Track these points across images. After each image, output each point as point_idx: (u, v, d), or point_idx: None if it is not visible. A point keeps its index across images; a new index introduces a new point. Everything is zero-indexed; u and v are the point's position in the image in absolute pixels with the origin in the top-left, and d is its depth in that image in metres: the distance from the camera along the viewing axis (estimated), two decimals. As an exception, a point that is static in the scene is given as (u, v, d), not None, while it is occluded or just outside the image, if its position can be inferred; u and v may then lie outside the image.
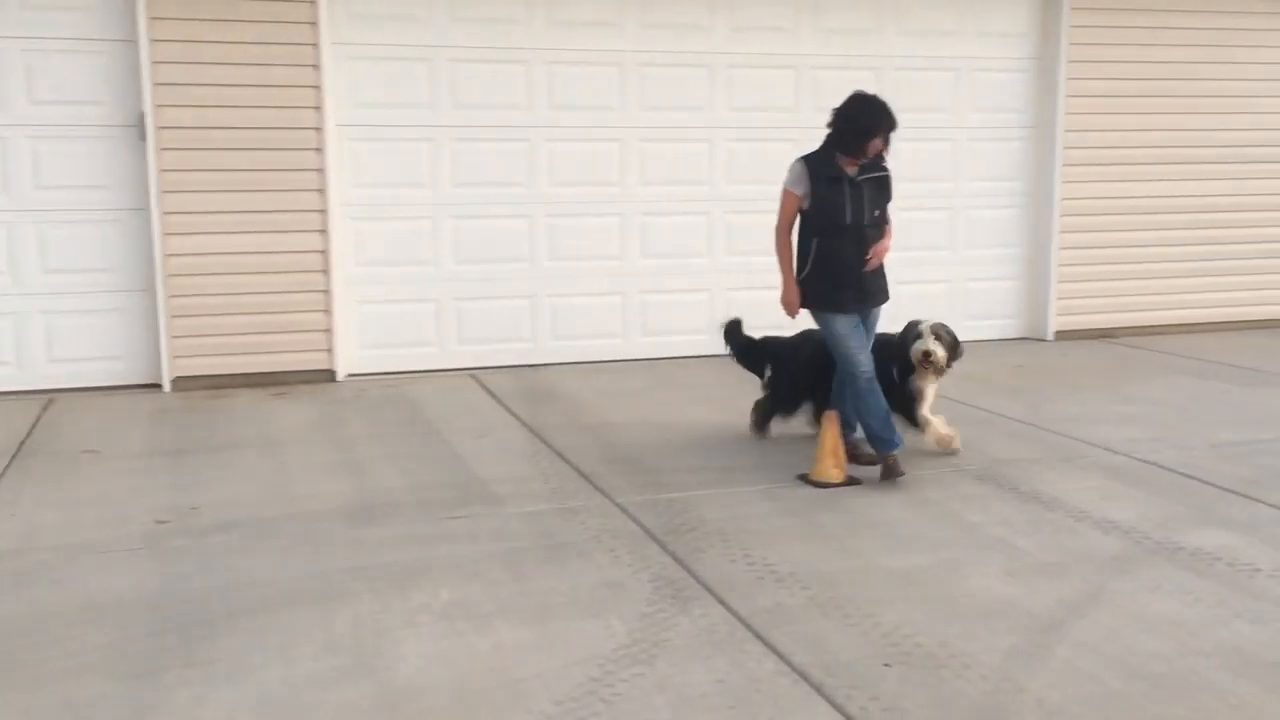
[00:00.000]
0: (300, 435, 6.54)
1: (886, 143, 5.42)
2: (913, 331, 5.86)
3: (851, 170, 5.42)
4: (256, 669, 3.55)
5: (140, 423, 6.88)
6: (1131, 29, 9.39)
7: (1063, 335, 9.61)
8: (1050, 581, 4.24)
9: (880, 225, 5.52)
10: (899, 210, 5.64)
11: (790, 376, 6.20)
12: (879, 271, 5.57)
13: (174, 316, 7.67)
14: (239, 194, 7.65)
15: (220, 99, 7.54)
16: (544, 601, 4.07)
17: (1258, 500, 5.20)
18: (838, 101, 5.49)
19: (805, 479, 5.53)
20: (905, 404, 5.92)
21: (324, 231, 7.86)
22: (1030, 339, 9.64)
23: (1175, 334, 9.76)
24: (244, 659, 3.62)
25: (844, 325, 5.49)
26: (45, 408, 7.24)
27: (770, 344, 6.37)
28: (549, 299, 8.60)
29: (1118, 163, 9.56)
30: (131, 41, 7.42)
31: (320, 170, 7.80)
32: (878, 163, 5.47)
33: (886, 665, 3.56)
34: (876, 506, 5.17)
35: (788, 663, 3.58)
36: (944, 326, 5.91)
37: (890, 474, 5.42)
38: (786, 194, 5.58)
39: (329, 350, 7.99)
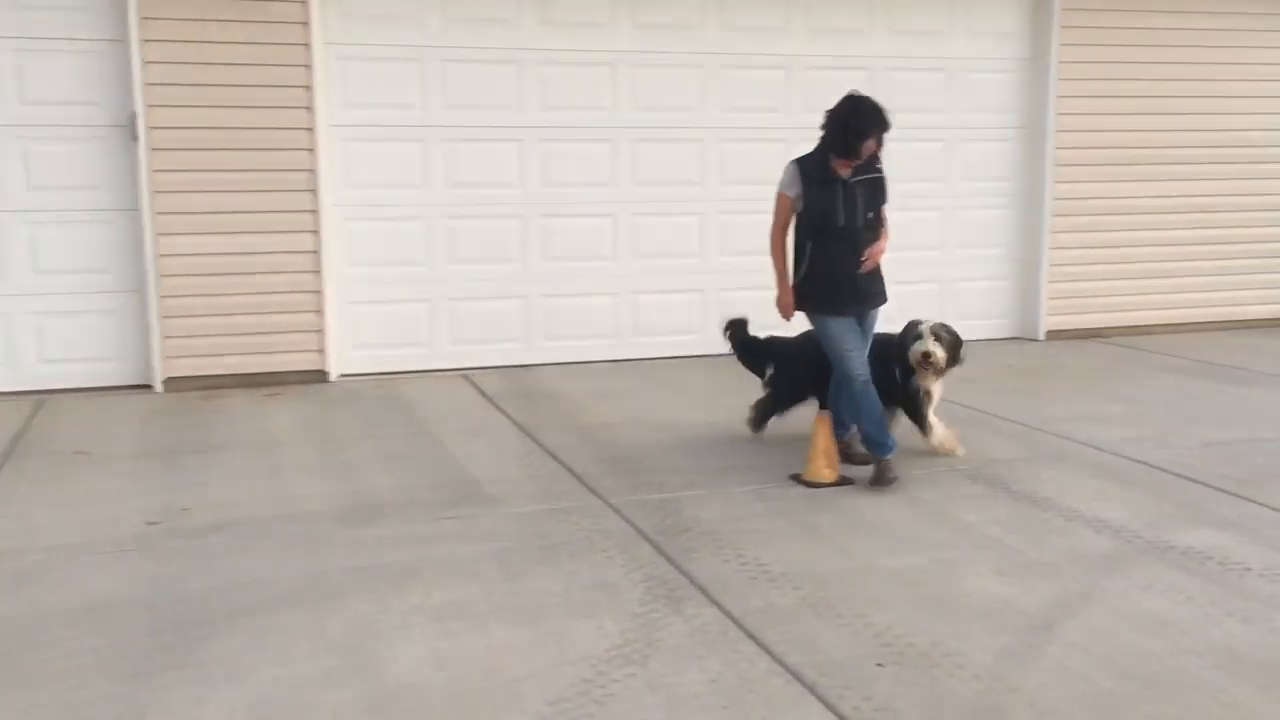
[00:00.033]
0: (292, 436, 6.54)
1: (880, 144, 5.38)
2: (913, 332, 5.84)
3: (845, 172, 5.39)
4: (251, 670, 3.55)
5: (132, 424, 6.87)
6: (1122, 30, 9.42)
7: (1054, 335, 9.64)
8: (1042, 581, 4.26)
9: (875, 227, 5.49)
10: (891, 210, 5.63)
11: (793, 376, 6.17)
12: (875, 274, 5.53)
13: (165, 317, 7.66)
14: (230, 194, 7.63)
15: (212, 99, 7.52)
16: (537, 602, 4.08)
17: (1248, 499, 5.22)
18: (830, 102, 5.48)
19: (798, 479, 5.54)
20: (908, 404, 5.91)
21: (316, 232, 7.85)
22: (1021, 339, 9.66)
23: (1166, 333, 9.79)
24: (239, 660, 3.62)
25: (839, 328, 5.48)
26: (37, 409, 7.22)
27: (774, 344, 6.32)
28: (541, 299, 8.60)
29: (1108, 163, 9.59)
30: (122, 41, 7.40)
31: (312, 170, 7.78)
32: (872, 164, 5.44)
33: (879, 665, 3.56)
34: (869, 506, 5.18)
35: (780, 663, 3.58)
36: (945, 327, 5.88)
37: (881, 479, 5.40)
38: (780, 197, 5.57)
39: (321, 351, 7.98)
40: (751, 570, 4.37)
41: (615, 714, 3.26)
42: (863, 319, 5.57)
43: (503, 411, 7.12)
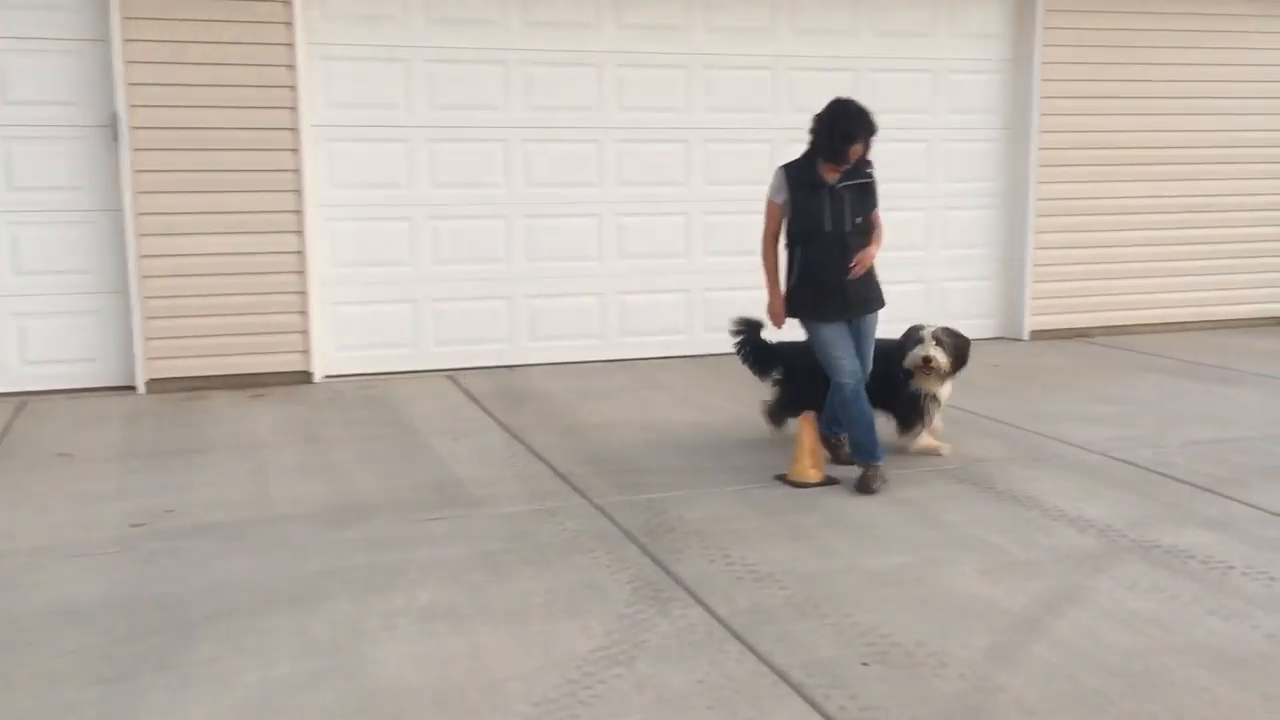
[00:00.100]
0: (276, 437, 6.51)
1: (867, 148, 5.33)
2: (914, 337, 5.82)
3: (832, 178, 5.34)
4: (233, 673, 3.53)
5: (115, 425, 6.83)
6: (1105, 30, 9.47)
7: (1038, 335, 9.67)
8: (1027, 580, 4.27)
9: (865, 232, 5.42)
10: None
11: (803, 378, 6.08)
12: (867, 279, 5.46)
13: (148, 318, 7.62)
14: (214, 195, 7.60)
15: (195, 99, 7.49)
16: (523, 603, 4.07)
17: (1231, 498, 5.25)
18: (815, 102, 5.47)
19: (783, 479, 5.54)
20: (905, 408, 5.89)
21: (300, 232, 7.82)
22: (1006, 339, 9.70)
23: (1150, 333, 9.84)
24: (221, 663, 3.60)
25: (829, 334, 5.46)
26: (18, 410, 7.18)
27: (781, 348, 6.22)
28: (526, 300, 8.59)
29: (1092, 163, 9.63)
30: (104, 41, 7.37)
31: (296, 171, 7.76)
32: (861, 169, 5.38)
33: (865, 665, 3.57)
34: (854, 506, 5.19)
35: (766, 663, 3.58)
36: (947, 331, 5.84)
37: (866, 485, 5.38)
38: (769, 204, 5.55)
39: (305, 352, 7.96)
40: (738, 570, 4.37)
41: (601, 715, 3.26)
42: (857, 325, 5.51)
43: (488, 412, 7.11)
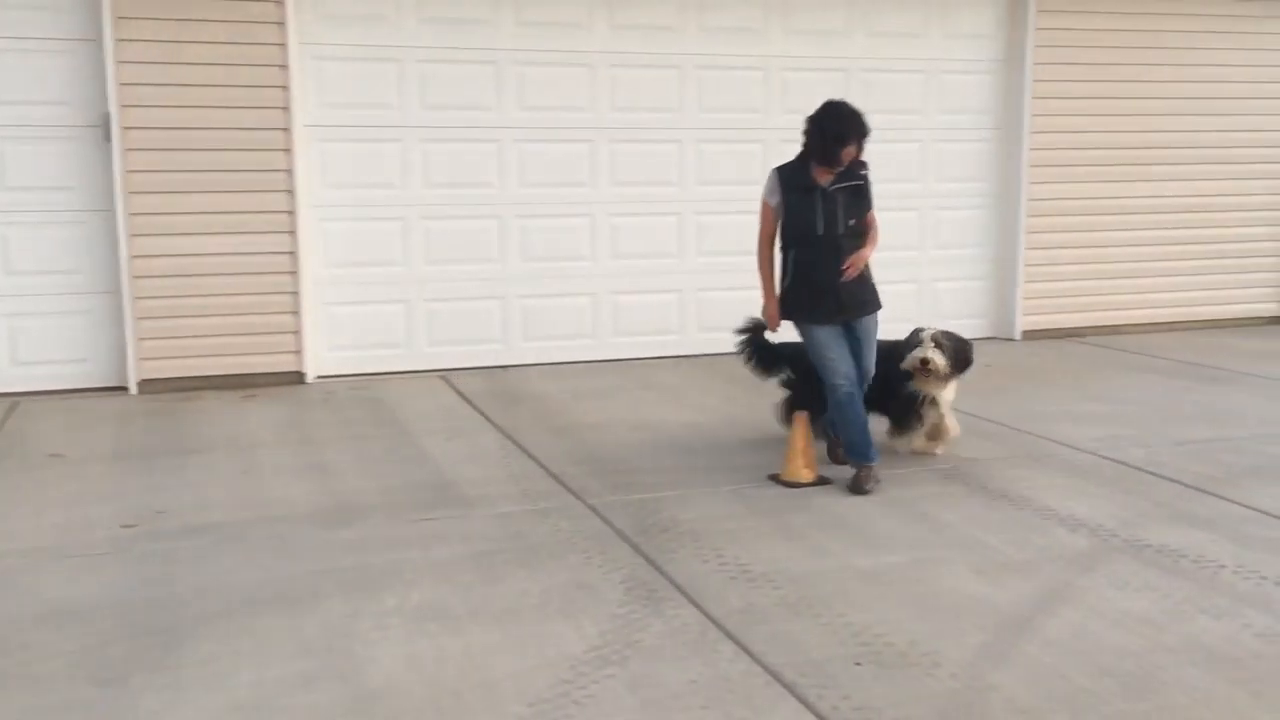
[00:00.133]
0: (269, 438, 6.50)
1: (860, 150, 5.32)
2: (914, 339, 5.81)
3: (825, 180, 5.34)
4: (226, 674, 3.53)
5: (106, 426, 6.82)
6: (1096, 31, 9.49)
7: (1029, 335, 9.69)
8: (1019, 579, 4.28)
9: (858, 234, 5.40)
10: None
11: (813, 378, 5.97)
12: (862, 281, 5.43)
13: (140, 318, 7.61)
14: (206, 195, 7.59)
15: (187, 99, 7.48)
16: (515, 603, 4.07)
17: (1222, 497, 5.27)
18: (808, 103, 5.48)
19: (776, 479, 5.55)
20: (902, 410, 5.88)
21: (292, 233, 7.81)
22: (998, 338, 9.71)
23: (1141, 333, 9.86)
24: (213, 664, 3.60)
25: (822, 336, 5.45)
26: (9, 411, 7.16)
27: (786, 349, 6.17)
28: (519, 300, 8.59)
29: (1083, 164, 9.65)
30: (96, 41, 7.35)
31: (288, 171, 7.75)
32: (854, 171, 5.37)
33: (858, 664, 3.58)
34: (847, 507, 5.20)
35: (760, 663, 3.59)
36: (947, 334, 5.82)
37: (859, 486, 5.38)
38: (763, 205, 5.55)
39: (298, 352, 7.94)
40: (731, 570, 4.38)
41: (594, 715, 3.26)
42: (854, 328, 5.49)
43: (481, 412, 7.11)
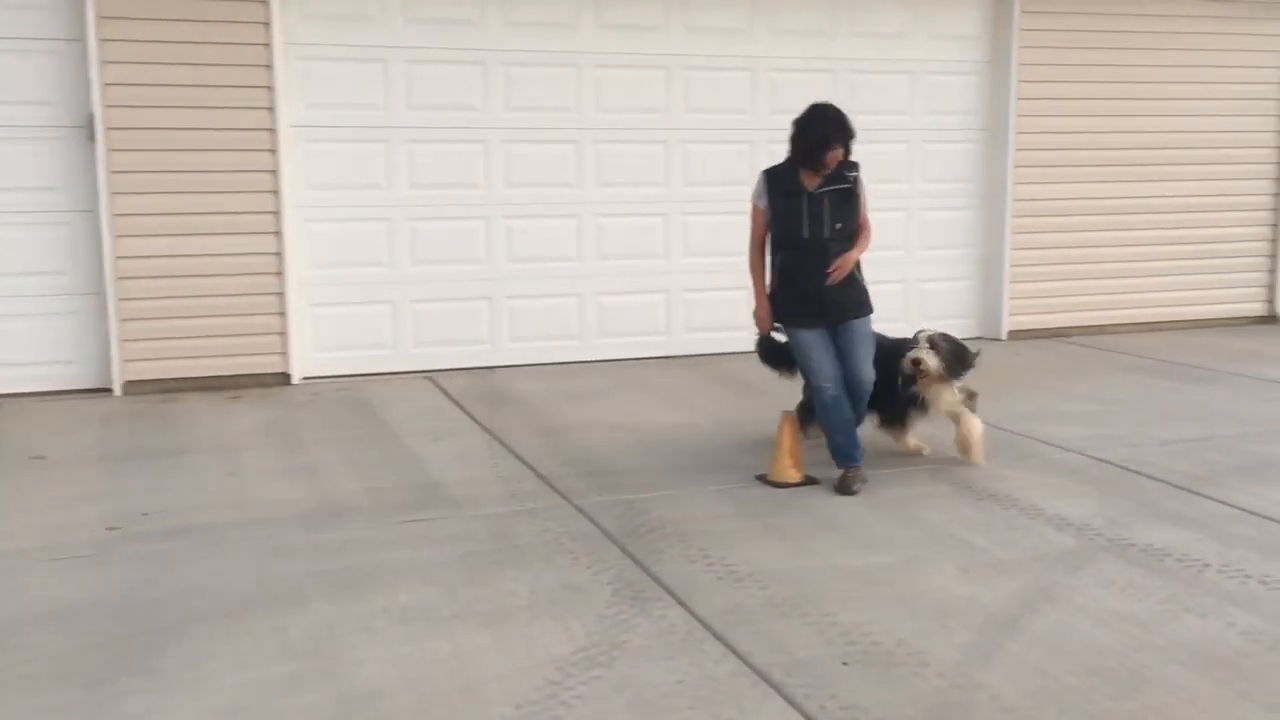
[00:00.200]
0: (254, 439, 6.48)
1: (847, 153, 5.31)
2: (913, 340, 5.76)
3: (812, 183, 5.33)
4: (212, 676, 3.51)
5: (90, 427, 6.78)
6: (1082, 32, 9.53)
7: (1016, 335, 9.72)
8: (1005, 579, 4.29)
9: (845, 238, 5.38)
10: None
11: None
12: (848, 285, 5.40)
13: (125, 319, 7.57)
14: (191, 195, 7.56)
15: (171, 99, 7.44)
16: (502, 604, 4.06)
17: (1206, 496, 5.29)
18: (794, 103, 5.48)
19: (763, 479, 5.55)
20: (893, 408, 5.85)
21: (278, 233, 7.78)
22: (984, 338, 9.72)
23: (1127, 333, 9.90)
24: (198, 666, 3.58)
25: (807, 339, 5.45)
26: (-8, 413, 7.12)
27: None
28: (506, 300, 8.58)
29: (1069, 164, 9.69)
30: (80, 41, 7.31)
31: (274, 171, 7.72)
32: (841, 174, 5.34)
33: (845, 664, 3.58)
34: (834, 506, 5.20)
35: (747, 663, 3.59)
36: (945, 336, 5.76)
37: (845, 487, 5.38)
38: (753, 208, 5.54)
39: (283, 353, 7.92)
40: (718, 571, 4.37)
41: (582, 716, 3.26)
42: (839, 331, 5.46)
43: (467, 413, 7.09)
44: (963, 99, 9.52)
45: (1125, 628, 3.83)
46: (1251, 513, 5.04)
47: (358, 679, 3.49)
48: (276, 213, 7.76)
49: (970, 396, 5.86)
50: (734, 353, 8.69)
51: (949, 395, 5.76)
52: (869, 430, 5.91)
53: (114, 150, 7.40)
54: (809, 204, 5.32)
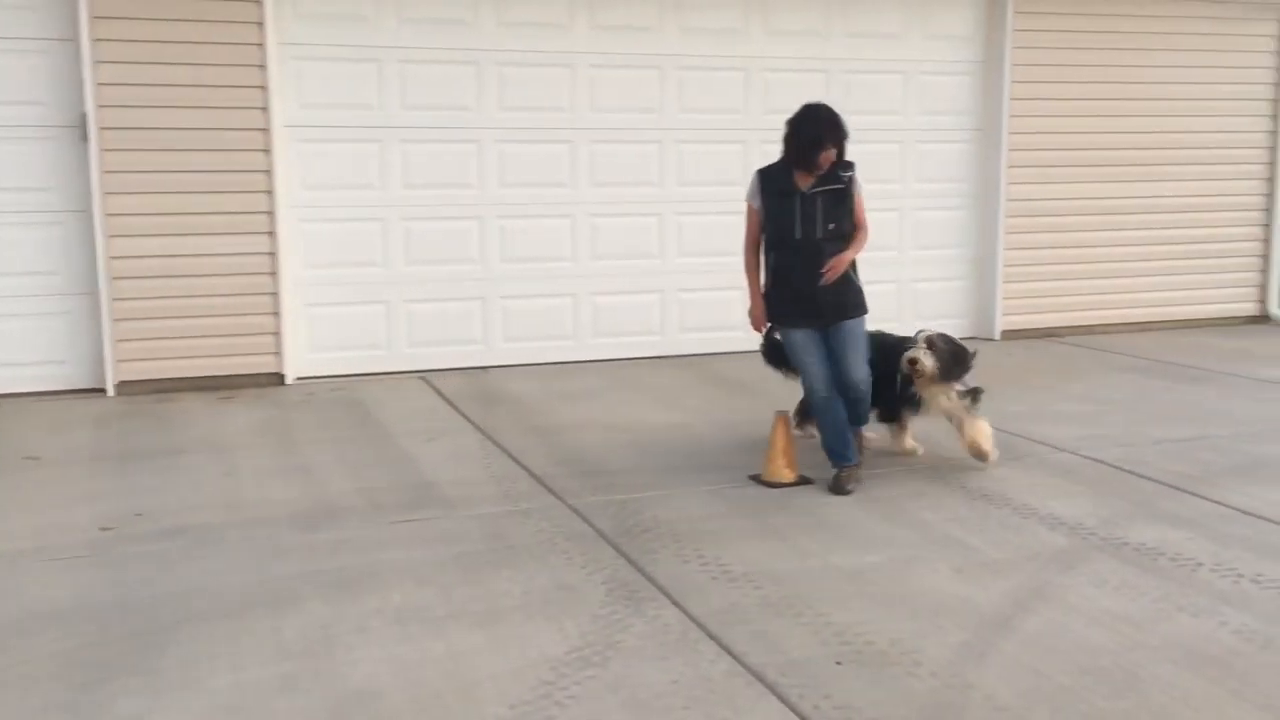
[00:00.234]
0: (248, 439, 6.47)
1: (841, 153, 5.30)
2: (912, 340, 5.73)
3: (805, 184, 5.32)
4: (206, 677, 3.51)
5: (84, 428, 6.77)
6: (1074, 33, 9.54)
7: (1009, 335, 9.73)
8: (999, 578, 4.30)
9: (839, 238, 5.36)
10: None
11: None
12: (843, 285, 5.37)
13: (118, 320, 7.55)
14: (184, 195, 7.55)
15: (164, 99, 7.43)
16: (497, 604, 4.06)
17: (1199, 495, 5.30)
18: (788, 103, 5.48)
19: (757, 479, 5.55)
20: (891, 406, 5.83)
21: (271, 233, 7.77)
22: (977, 338, 9.73)
23: (1119, 333, 9.92)
24: (192, 667, 3.57)
25: (799, 340, 5.45)
26: (-15, 413, 7.11)
27: None
28: (500, 300, 8.58)
29: (1062, 164, 9.70)
30: (73, 40, 7.30)
31: (267, 171, 7.71)
32: (836, 174, 5.33)
33: (839, 663, 3.58)
34: (828, 506, 5.21)
35: (741, 663, 3.59)
36: (944, 337, 5.72)
37: (839, 488, 5.39)
38: (748, 207, 5.54)
39: (277, 353, 7.91)
40: (712, 570, 4.38)
41: (576, 716, 3.26)
42: (832, 332, 5.43)
43: (462, 413, 7.09)
44: (956, 99, 9.54)
45: (1118, 627, 3.84)
46: (1245, 512, 5.06)
47: (352, 679, 3.49)
48: (270, 213, 7.75)
49: (974, 395, 5.80)
50: (728, 353, 8.70)
51: (945, 397, 5.73)
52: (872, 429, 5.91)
53: (107, 150, 7.38)
54: (802, 204, 5.32)
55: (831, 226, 5.34)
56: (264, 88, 7.62)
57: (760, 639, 3.75)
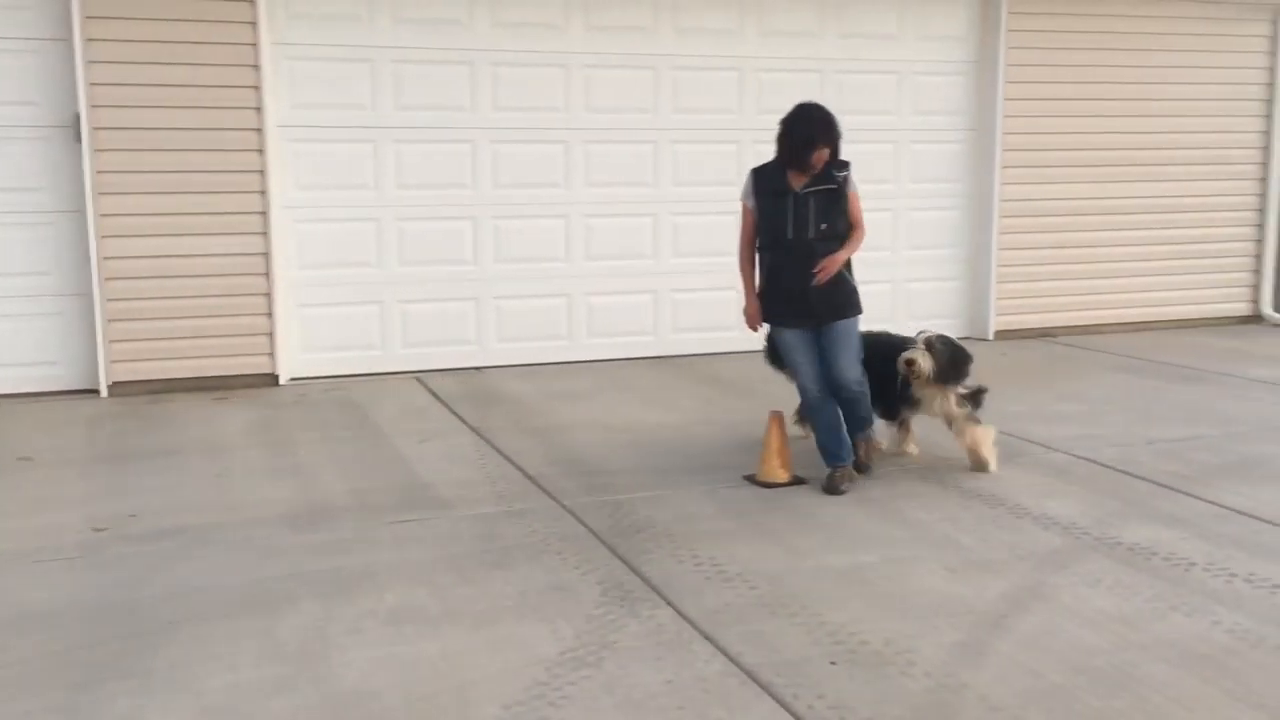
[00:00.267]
0: (242, 440, 6.46)
1: (835, 152, 5.29)
2: (911, 341, 5.70)
3: (798, 183, 5.31)
4: (200, 678, 3.50)
5: (77, 429, 6.76)
6: (1068, 33, 9.56)
7: (1003, 335, 9.75)
8: (992, 577, 4.30)
9: (832, 238, 5.33)
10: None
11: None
12: (836, 285, 5.35)
13: (111, 320, 7.54)
14: (177, 195, 7.53)
15: (157, 99, 7.42)
16: (491, 605, 4.06)
17: (1192, 495, 5.31)
18: (782, 104, 5.47)
19: (751, 479, 5.56)
20: (892, 405, 5.81)
21: (265, 234, 7.76)
22: (971, 338, 9.74)
23: (1114, 333, 9.94)
24: (185, 668, 3.57)
25: (790, 339, 5.46)
26: (-22, 414, 7.09)
27: None
28: (494, 301, 8.57)
29: (1056, 164, 9.72)
30: (66, 40, 7.28)
31: (261, 172, 7.70)
32: (830, 174, 5.31)
33: (833, 663, 3.58)
34: (822, 506, 5.21)
35: (735, 663, 3.59)
36: (942, 339, 5.68)
37: (833, 486, 5.39)
38: (742, 206, 5.54)
39: (271, 354, 7.90)
40: (706, 570, 4.38)
41: (570, 716, 3.26)
42: (824, 331, 5.41)
43: (456, 414, 7.08)
44: (950, 100, 9.55)
45: (1112, 626, 3.85)
46: (1238, 511, 5.07)
47: (346, 680, 3.49)
48: (264, 213, 7.74)
49: (975, 398, 5.77)
50: (722, 353, 8.71)
51: (941, 399, 5.68)
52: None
53: (100, 150, 7.37)
54: (794, 204, 5.31)
55: (824, 227, 5.33)
56: (257, 88, 7.61)
57: (754, 639, 3.75)
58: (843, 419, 5.55)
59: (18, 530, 4.91)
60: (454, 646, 3.72)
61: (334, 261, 8.16)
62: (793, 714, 3.27)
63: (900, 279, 9.59)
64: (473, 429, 6.69)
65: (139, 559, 4.54)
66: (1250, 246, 10.53)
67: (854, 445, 5.60)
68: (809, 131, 5.22)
